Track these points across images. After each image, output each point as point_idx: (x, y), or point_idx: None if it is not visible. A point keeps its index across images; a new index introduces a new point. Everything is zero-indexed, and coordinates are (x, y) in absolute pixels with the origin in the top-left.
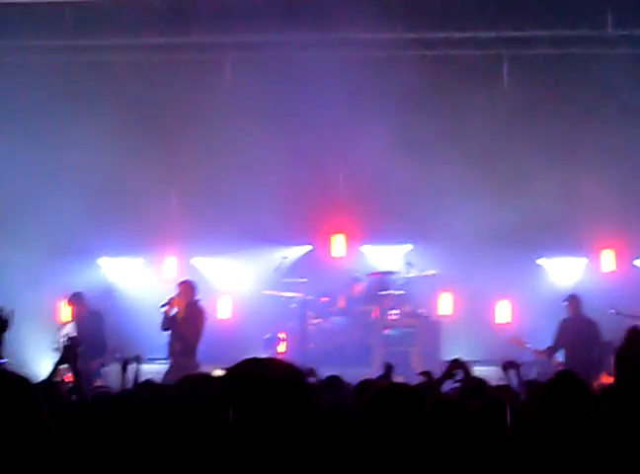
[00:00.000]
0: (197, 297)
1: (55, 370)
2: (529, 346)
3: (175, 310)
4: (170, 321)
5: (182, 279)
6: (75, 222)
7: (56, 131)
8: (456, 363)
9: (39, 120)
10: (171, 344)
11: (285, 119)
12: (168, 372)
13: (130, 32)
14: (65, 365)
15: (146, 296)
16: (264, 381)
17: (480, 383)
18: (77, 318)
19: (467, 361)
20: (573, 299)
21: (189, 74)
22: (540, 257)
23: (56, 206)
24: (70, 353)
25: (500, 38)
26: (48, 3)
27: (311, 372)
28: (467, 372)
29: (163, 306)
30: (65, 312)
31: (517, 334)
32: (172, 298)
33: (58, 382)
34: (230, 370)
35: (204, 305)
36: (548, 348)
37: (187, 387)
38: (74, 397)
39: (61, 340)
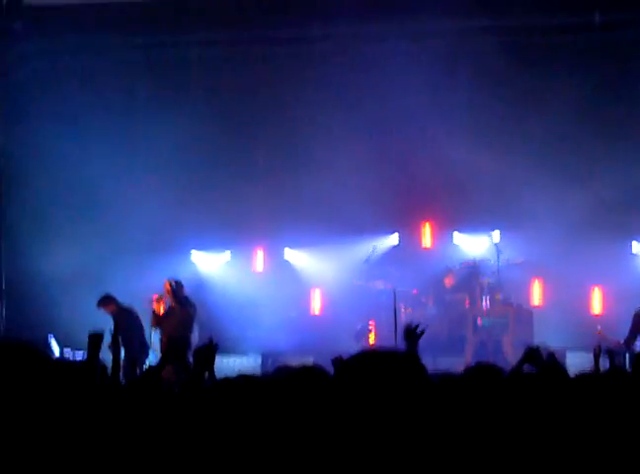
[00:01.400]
0: (185, 294)
1: (163, 365)
2: (608, 336)
3: (166, 307)
4: (158, 318)
5: (168, 277)
6: (167, 218)
7: (146, 129)
8: (531, 351)
9: (126, 119)
10: (162, 338)
11: (371, 111)
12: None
13: (218, 26)
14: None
15: (237, 290)
16: (385, 373)
17: (555, 371)
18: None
19: (546, 349)
20: None
21: (273, 67)
22: (634, 241)
23: (147, 203)
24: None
25: (574, 24)
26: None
27: None
28: (541, 360)
29: (105, 300)
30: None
31: (596, 323)
32: (159, 296)
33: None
34: (348, 361)
35: (193, 302)
36: (626, 339)
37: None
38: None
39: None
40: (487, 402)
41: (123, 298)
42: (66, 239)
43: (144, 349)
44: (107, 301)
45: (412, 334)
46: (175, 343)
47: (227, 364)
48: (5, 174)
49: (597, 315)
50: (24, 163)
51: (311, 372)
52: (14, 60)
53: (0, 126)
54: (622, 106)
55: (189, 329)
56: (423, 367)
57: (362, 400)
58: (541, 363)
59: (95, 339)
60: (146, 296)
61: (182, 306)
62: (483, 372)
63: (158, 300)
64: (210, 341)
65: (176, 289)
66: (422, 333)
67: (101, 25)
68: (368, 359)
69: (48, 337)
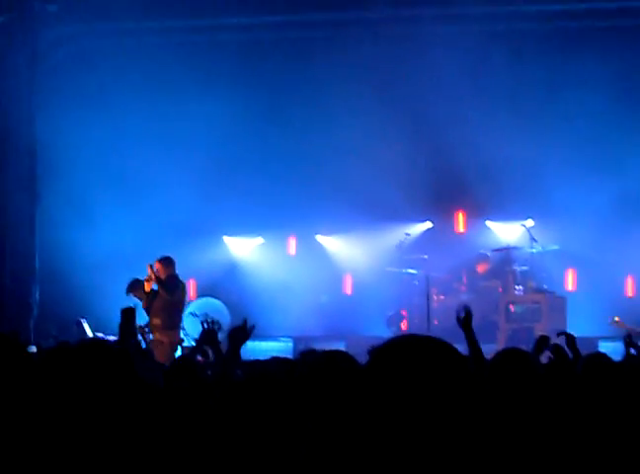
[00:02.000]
0: (175, 272)
1: (198, 348)
2: (630, 326)
3: (153, 286)
4: (150, 298)
5: (161, 256)
6: (200, 202)
7: (180, 113)
8: (542, 340)
9: (161, 102)
10: (150, 320)
11: (406, 96)
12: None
13: (251, 10)
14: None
15: (269, 274)
16: (422, 361)
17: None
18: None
19: (571, 337)
20: None
21: (308, 51)
22: None
23: (180, 187)
24: (211, 335)
25: (610, 8)
26: None
27: None
28: (557, 350)
29: (135, 285)
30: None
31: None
32: (149, 275)
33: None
34: (381, 347)
35: (183, 280)
36: None
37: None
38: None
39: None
40: (515, 388)
41: None
42: (100, 222)
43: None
44: (136, 286)
45: (464, 320)
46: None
47: (259, 348)
48: (40, 158)
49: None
50: (59, 148)
51: (339, 357)
52: (49, 43)
53: (35, 110)
54: None
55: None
56: (462, 356)
57: (397, 387)
58: (557, 353)
59: (127, 314)
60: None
61: (166, 291)
62: (511, 357)
63: (147, 281)
64: (244, 322)
65: (157, 272)
66: (470, 315)
67: (134, 8)
68: (404, 346)
69: (81, 321)
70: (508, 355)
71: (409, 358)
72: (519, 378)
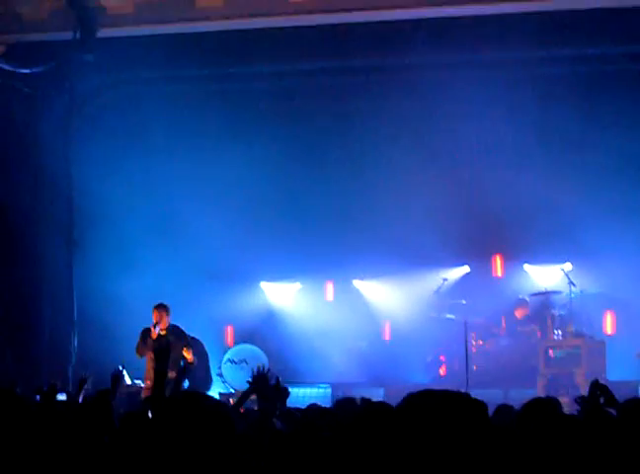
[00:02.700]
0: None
1: (244, 399)
2: None
3: (156, 335)
4: (154, 347)
5: (158, 303)
6: (236, 247)
7: (218, 157)
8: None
9: (199, 148)
10: (161, 372)
11: (440, 141)
12: None
13: (287, 57)
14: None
15: (307, 320)
16: (438, 417)
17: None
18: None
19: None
20: None
21: (342, 98)
22: None
23: (219, 232)
24: (261, 382)
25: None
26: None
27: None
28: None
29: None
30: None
31: None
32: (155, 324)
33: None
34: (403, 405)
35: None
36: None
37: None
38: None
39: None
40: (543, 436)
41: (195, 327)
42: (138, 269)
43: (209, 379)
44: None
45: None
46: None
47: (297, 395)
48: (78, 206)
49: None
50: (96, 195)
51: (376, 408)
52: (86, 92)
53: (72, 158)
54: None
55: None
56: (486, 416)
57: (417, 440)
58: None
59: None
60: (217, 325)
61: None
62: (540, 407)
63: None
64: (277, 382)
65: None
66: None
67: (169, 57)
68: (427, 401)
69: (119, 368)
70: (536, 404)
71: (426, 415)
72: (546, 427)
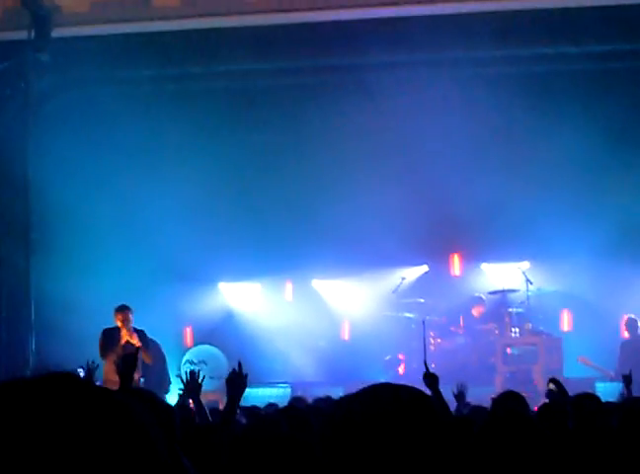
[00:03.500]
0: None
1: (182, 399)
2: (596, 365)
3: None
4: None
5: (122, 304)
6: (194, 248)
7: (173, 160)
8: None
9: (155, 149)
10: (128, 374)
11: (398, 142)
12: None
13: (244, 57)
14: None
15: (266, 321)
16: (393, 406)
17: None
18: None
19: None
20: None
21: (300, 100)
22: None
23: (175, 234)
24: (194, 386)
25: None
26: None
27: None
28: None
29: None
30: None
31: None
32: (122, 326)
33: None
34: (358, 394)
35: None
36: (615, 370)
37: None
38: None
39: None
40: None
41: (153, 328)
42: (96, 269)
43: (167, 381)
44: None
45: (430, 379)
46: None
47: (256, 395)
48: (36, 205)
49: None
50: (55, 194)
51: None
52: (44, 91)
53: (30, 158)
54: None
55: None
56: (434, 411)
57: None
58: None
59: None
60: (176, 326)
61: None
62: (510, 401)
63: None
64: (240, 367)
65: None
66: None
67: (127, 56)
68: (374, 396)
69: (78, 371)
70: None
71: (374, 407)
72: (515, 424)
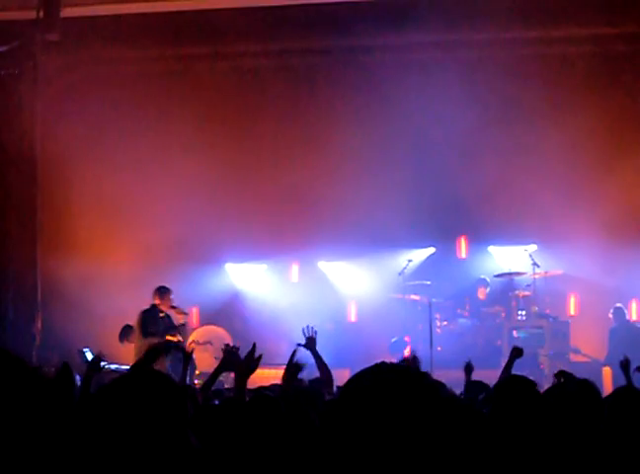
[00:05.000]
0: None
1: (216, 377)
2: (583, 353)
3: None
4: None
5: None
6: (202, 229)
7: (183, 140)
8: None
9: (161, 129)
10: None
11: (406, 124)
12: None
13: (242, 39)
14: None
15: (272, 302)
16: (388, 386)
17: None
18: None
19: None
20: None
21: (309, 78)
22: None
23: (182, 214)
24: (233, 359)
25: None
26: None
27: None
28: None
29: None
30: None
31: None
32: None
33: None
34: (356, 376)
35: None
36: (606, 357)
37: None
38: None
39: (200, 345)
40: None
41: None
42: (103, 251)
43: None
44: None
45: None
46: None
47: (262, 376)
48: (45, 183)
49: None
50: (63, 174)
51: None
52: (52, 71)
53: (37, 137)
54: None
55: None
56: (431, 387)
57: (360, 416)
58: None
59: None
60: (183, 306)
61: None
62: (516, 384)
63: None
64: (254, 348)
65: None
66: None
67: (137, 35)
68: (370, 375)
69: (84, 350)
70: (512, 382)
71: (376, 387)
72: (523, 405)
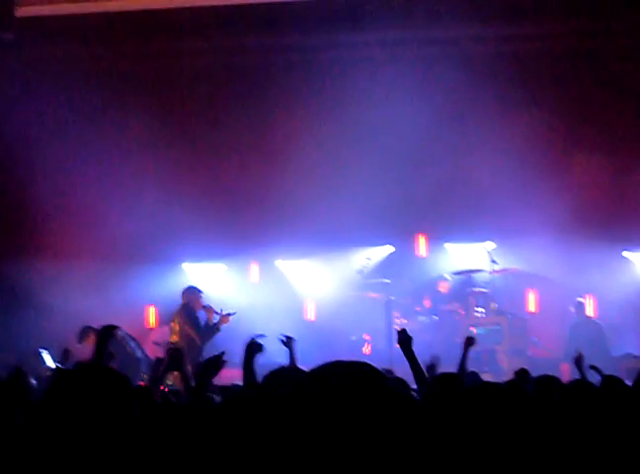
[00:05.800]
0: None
1: (164, 375)
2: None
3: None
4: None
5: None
6: (158, 229)
7: (138, 139)
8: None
9: (119, 127)
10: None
11: (361, 122)
12: None
13: (210, 35)
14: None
15: (232, 302)
16: (345, 384)
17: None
18: None
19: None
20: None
21: (264, 77)
22: (626, 249)
23: (139, 215)
24: (177, 358)
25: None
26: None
27: (389, 373)
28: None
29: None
30: (152, 318)
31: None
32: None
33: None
34: (314, 372)
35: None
36: (565, 352)
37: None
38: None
39: (160, 346)
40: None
41: (115, 309)
42: (60, 251)
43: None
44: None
45: (403, 340)
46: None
47: (222, 376)
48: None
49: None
50: (19, 177)
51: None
52: (8, 71)
53: None
54: (609, 109)
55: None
56: (385, 386)
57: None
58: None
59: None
60: (137, 307)
61: None
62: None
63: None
64: (222, 354)
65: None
66: (410, 338)
67: (91, 34)
68: (325, 374)
69: (40, 351)
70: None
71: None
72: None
